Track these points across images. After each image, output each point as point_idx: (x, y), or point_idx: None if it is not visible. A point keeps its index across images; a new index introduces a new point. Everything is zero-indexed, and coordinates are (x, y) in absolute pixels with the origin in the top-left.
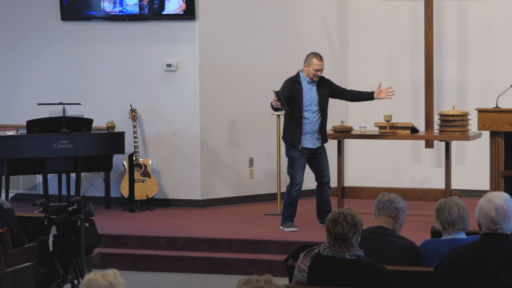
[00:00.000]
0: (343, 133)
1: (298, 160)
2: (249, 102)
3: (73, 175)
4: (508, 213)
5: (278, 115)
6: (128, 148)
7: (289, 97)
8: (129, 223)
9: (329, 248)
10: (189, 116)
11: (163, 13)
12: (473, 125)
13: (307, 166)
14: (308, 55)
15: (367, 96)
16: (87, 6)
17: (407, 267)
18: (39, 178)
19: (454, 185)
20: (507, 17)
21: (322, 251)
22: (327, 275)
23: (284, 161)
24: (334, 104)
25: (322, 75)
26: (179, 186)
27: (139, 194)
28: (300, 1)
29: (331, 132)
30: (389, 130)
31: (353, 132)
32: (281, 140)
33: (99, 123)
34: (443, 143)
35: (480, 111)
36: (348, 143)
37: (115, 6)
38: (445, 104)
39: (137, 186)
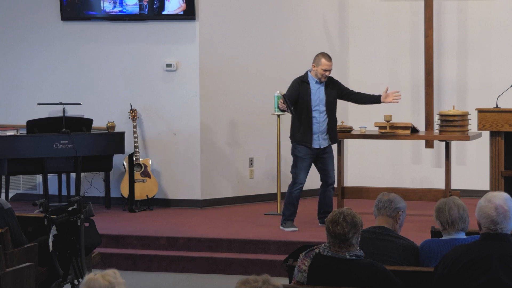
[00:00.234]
0: (343, 133)
1: (302, 160)
2: (249, 102)
3: (73, 175)
4: (508, 213)
5: (278, 115)
6: (128, 148)
7: (296, 97)
8: (129, 223)
9: (329, 248)
10: (189, 116)
11: (163, 13)
12: (473, 125)
13: (312, 166)
14: (316, 55)
15: (374, 100)
16: (87, 6)
17: (407, 267)
18: (39, 178)
19: (454, 185)
20: (507, 17)
21: (322, 251)
22: (327, 275)
23: (284, 161)
24: None
25: (330, 75)
26: (179, 186)
27: (139, 194)
28: (300, 1)
29: None
30: (389, 130)
31: (353, 132)
32: (281, 140)
33: (99, 123)
34: (443, 143)
35: (480, 111)
36: (348, 143)
37: (115, 6)
38: (445, 104)
39: (137, 186)
